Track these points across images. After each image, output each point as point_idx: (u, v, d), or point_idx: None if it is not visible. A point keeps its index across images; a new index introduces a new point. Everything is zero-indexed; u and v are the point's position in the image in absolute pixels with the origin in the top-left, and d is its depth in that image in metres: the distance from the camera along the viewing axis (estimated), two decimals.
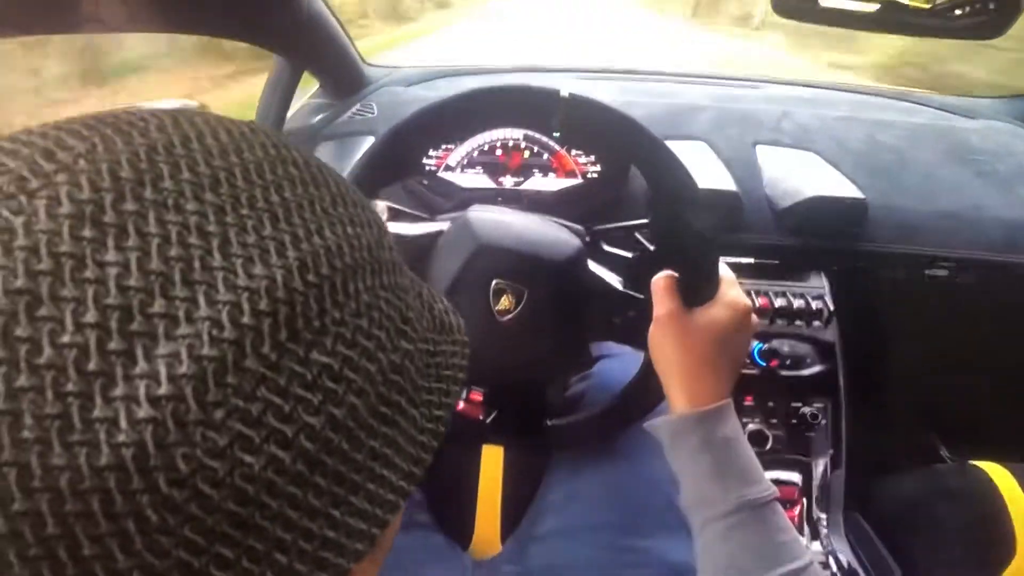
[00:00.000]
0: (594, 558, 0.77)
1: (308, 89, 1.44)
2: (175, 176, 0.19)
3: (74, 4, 0.75)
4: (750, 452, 0.62)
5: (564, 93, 0.66)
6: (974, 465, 1.00)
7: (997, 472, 0.96)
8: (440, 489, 0.87)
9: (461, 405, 0.80)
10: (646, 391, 0.70)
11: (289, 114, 1.32)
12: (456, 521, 0.87)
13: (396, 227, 0.79)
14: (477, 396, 0.80)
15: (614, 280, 0.78)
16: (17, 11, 0.71)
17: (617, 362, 0.92)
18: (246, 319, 0.18)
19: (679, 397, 0.64)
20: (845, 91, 1.53)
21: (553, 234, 0.77)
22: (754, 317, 0.67)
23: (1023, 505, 0.90)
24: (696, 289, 0.65)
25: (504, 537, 0.86)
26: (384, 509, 0.24)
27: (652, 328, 0.66)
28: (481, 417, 0.79)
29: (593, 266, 0.79)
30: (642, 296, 0.74)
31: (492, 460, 1.00)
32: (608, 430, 0.80)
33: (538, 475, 0.86)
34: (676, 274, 0.66)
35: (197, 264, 0.18)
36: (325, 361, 0.20)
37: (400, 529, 0.76)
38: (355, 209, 0.23)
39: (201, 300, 0.18)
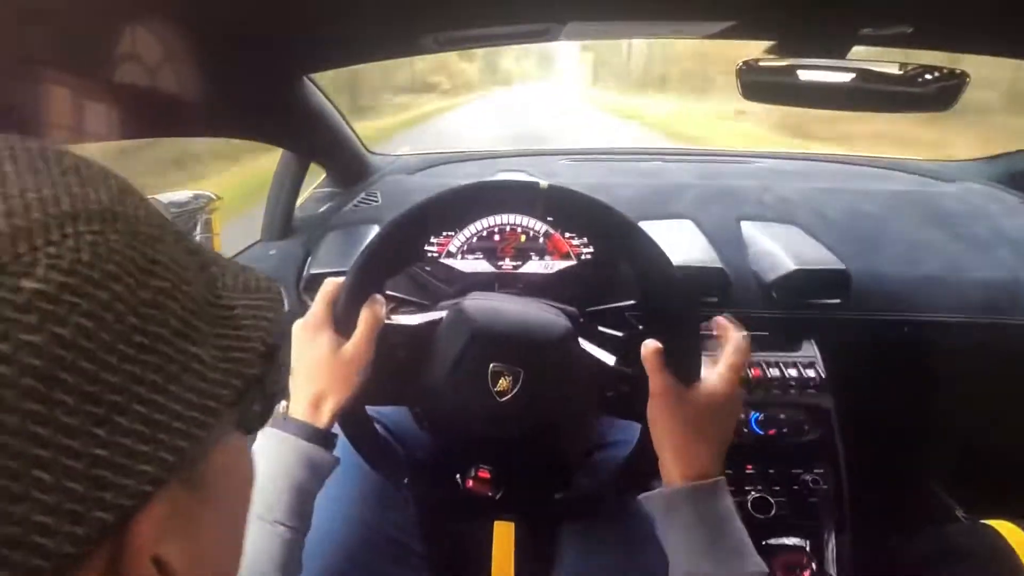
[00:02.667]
0: None
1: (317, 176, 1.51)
2: None
3: (97, 116, 0.81)
4: (741, 528, 0.63)
5: (543, 185, 0.70)
6: (985, 524, 1.00)
7: (1010, 530, 0.96)
8: (450, 566, 0.89)
9: (471, 483, 0.82)
10: (644, 464, 0.72)
11: (298, 202, 1.38)
12: None
13: (398, 318, 0.83)
14: (485, 475, 0.82)
15: (606, 357, 0.82)
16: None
17: (614, 448, 0.94)
18: None
19: (673, 470, 0.66)
20: (825, 161, 1.59)
21: (544, 317, 0.80)
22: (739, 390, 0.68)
23: None
24: (681, 367, 0.68)
25: None
26: (170, 436, 0.25)
27: (649, 402, 0.68)
28: (490, 494, 0.82)
29: (585, 344, 0.82)
30: (630, 370, 0.78)
31: (503, 538, 1.01)
32: (610, 501, 0.82)
33: (550, 553, 0.87)
34: (660, 344, 0.68)
35: None
36: (35, 287, 0.21)
37: None
38: (87, 174, 0.26)
39: None
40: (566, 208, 0.73)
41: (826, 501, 1.12)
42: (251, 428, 0.34)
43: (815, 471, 1.10)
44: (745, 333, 0.71)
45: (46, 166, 0.25)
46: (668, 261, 0.70)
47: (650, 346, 0.68)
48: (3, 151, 0.25)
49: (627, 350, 0.81)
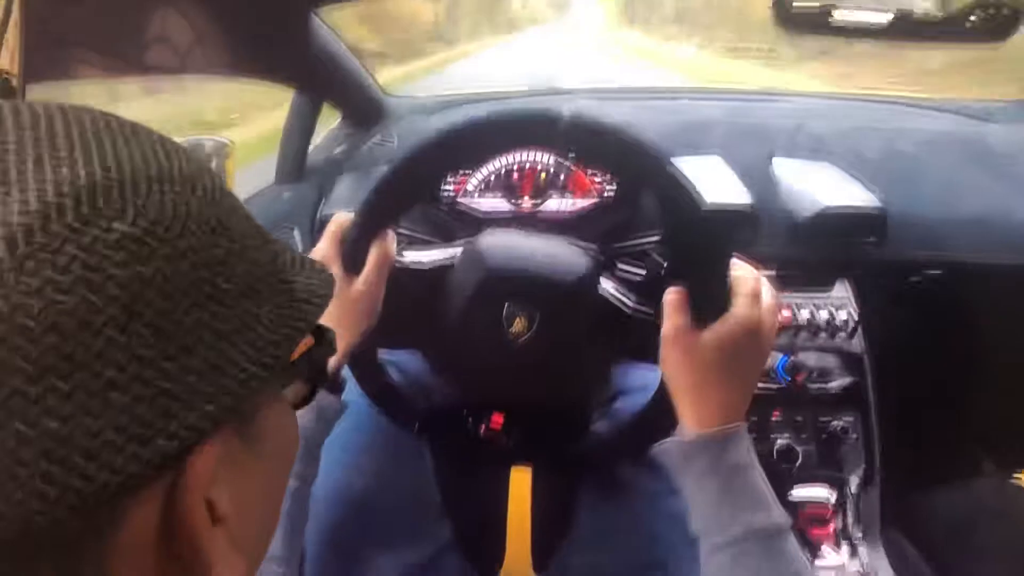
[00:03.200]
0: None
1: (333, 118, 1.48)
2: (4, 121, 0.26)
3: (116, 55, 0.81)
4: (762, 478, 0.60)
5: (567, 114, 0.66)
6: (1018, 481, 0.97)
7: None
8: (469, 515, 0.87)
9: (484, 430, 0.80)
10: (664, 412, 0.68)
11: (312, 145, 1.35)
12: (485, 546, 0.87)
13: (410, 255, 0.80)
14: (499, 421, 0.80)
15: (626, 298, 0.78)
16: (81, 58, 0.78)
17: (637, 395, 0.90)
18: (50, 198, 0.23)
19: (688, 418, 0.62)
20: (860, 101, 1.53)
21: (562, 255, 0.77)
22: (771, 333, 0.63)
23: None
24: (704, 306, 0.63)
25: (535, 562, 0.86)
26: (231, 382, 0.27)
27: (661, 346, 0.64)
28: (504, 441, 0.79)
29: (605, 284, 0.79)
30: (655, 313, 0.74)
31: (520, 486, 1.00)
32: (628, 450, 0.79)
33: (567, 500, 0.85)
34: (684, 289, 0.64)
35: (13, 171, 0.24)
36: (125, 229, 0.24)
37: (426, 564, 0.77)
38: (172, 149, 0.29)
39: (14, 192, 0.23)
40: (590, 138, 0.68)
41: (855, 451, 1.09)
42: (296, 403, 0.38)
43: (844, 419, 1.07)
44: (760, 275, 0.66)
45: (136, 137, 0.28)
46: (696, 194, 0.65)
47: (674, 290, 0.64)
48: (99, 120, 0.28)
49: (650, 290, 0.77)
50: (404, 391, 0.86)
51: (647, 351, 0.71)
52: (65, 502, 0.22)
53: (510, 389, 0.78)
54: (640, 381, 0.91)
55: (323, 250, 0.70)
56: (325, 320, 0.66)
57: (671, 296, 0.64)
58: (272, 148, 1.36)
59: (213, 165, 1.36)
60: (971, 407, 1.30)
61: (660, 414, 0.70)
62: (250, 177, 1.42)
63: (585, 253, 0.80)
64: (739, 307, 0.62)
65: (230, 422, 0.29)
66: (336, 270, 0.68)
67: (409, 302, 0.77)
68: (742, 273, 0.64)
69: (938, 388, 1.27)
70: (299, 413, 0.63)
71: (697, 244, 0.66)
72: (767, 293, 0.64)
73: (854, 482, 1.09)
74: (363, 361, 0.73)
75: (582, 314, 0.74)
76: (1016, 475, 1.00)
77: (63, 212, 0.23)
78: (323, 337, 0.37)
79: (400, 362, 0.92)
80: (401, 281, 0.74)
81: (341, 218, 0.71)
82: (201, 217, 0.28)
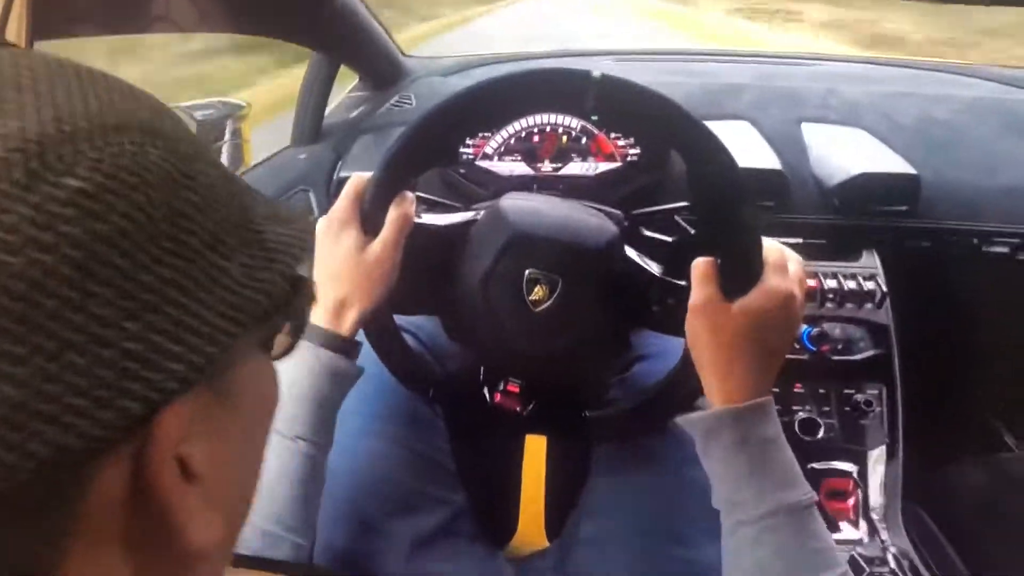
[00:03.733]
0: (638, 567, 0.75)
1: (350, 80, 1.46)
2: None
3: (123, 9, 0.79)
4: (788, 453, 0.59)
5: (596, 74, 0.63)
6: None
7: None
8: (482, 482, 0.86)
9: (499, 398, 0.78)
10: (686, 383, 0.67)
11: (329, 108, 1.33)
12: (499, 514, 0.86)
13: (428, 218, 0.78)
14: (515, 389, 0.78)
15: (652, 266, 0.76)
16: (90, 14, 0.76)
17: (656, 362, 0.89)
18: None
19: (714, 392, 0.61)
20: (894, 66, 1.48)
21: (587, 221, 0.75)
22: (800, 306, 0.62)
23: None
24: (735, 276, 0.61)
25: (548, 530, 0.85)
26: (199, 339, 0.26)
27: (688, 317, 0.62)
28: (519, 409, 0.78)
29: (630, 252, 0.77)
30: (682, 282, 0.72)
31: (535, 454, 0.99)
32: (647, 422, 0.78)
33: (581, 471, 0.84)
34: (716, 259, 0.63)
35: None
36: (78, 185, 0.23)
37: (440, 531, 0.76)
38: (131, 95, 0.28)
39: None
40: (621, 99, 0.66)
41: (878, 425, 1.07)
42: (276, 354, 0.36)
43: (869, 392, 1.05)
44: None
45: (93, 83, 0.27)
46: (731, 156, 0.63)
47: (704, 259, 0.62)
48: (52, 65, 0.26)
49: (676, 258, 0.75)
50: (419, 357, 0.85)
51: (671, 322, 0.70)
52: (25, 468, 0.22)
53: (528, 357, 0.77)
54: (659, 347, 0.90)
55: (341, 211, 0.68)
56: (340, 287, 0.66)
57: (700, 266, 0.62)
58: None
59: (228, 127, 1.35)
60: (996, 381, 1.28)
61: (682, 384, 0.69)
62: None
63: (610, 219, 0.78)
64: (768, 280, 0.60)
65: (201, 379, 0.27)
66: (354, 232, 0.67)
67: (427, 266, 0.76)
68: (768, 245, 0.63)
69: (964, 362, 1.24)
70: (314, 377, 0.64)
71: (728, 209, 0.63)
72: (794, 264, 0.63)
73: (876, 456, 1.07)
74: (378, 326, 0.72)
75: (605, 283, 0.72)
76: None
77: (10, 169, 0.22)
78: (302, 287, 0.35)
79: (416, 327, 0.91)
80: (419, 244, 0.72)
81: (359, 178, 0.69)
82: (162, 169, 0.26)
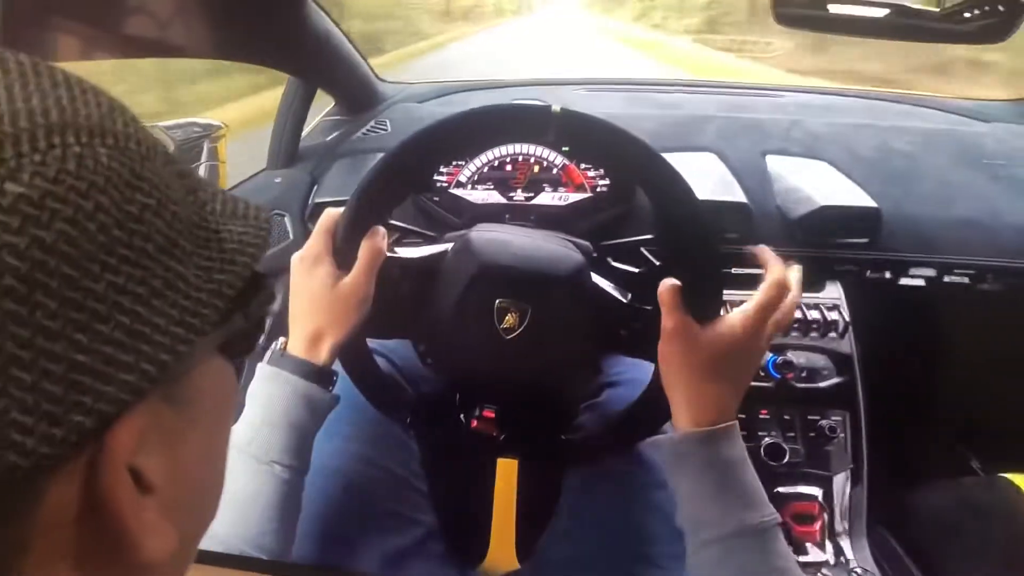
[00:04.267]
0: None
1: (326, 104, 1.46)
2: None
3: (107, 34, 0.79)
4: (753, 475, 0.60)
5: (556, 109, 0.65)
6: (1005, 478, 0.97)
7: None
8: (454, 503, 0.87)
9: (476, 423, 0.79)
10: (655, 408, 0.69)
11: (305, 131, 1.34)
12: (471, 535, 0.87)
13: (401, 251, 0.79)
14: (491, 415, 0.79)
15: (619, 292, 0.78)
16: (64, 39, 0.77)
17: (625, 388, 0.90)
18: None
19: (683, 414, 0.62)
20: (855, 97, 1.51)
21: (554, 250, 0.76)
22: (769, 333, 0.63)
23: None
24: (703, 304, 0.63)
25: (519, 551, 0.86)
26: (152, 348, 0.26)
27: (661, 343, 0.64)
28: (495, 434, 0.79)
29: (597, 279, 0.78)
30: (648, 307, 0.73)
31: (506, 476, 1.00)
32: (618, 445, 0.79)
33: (553, 493, 0.85)
34: (679, 282, 0.64)
35: None
36: (20, 191, 0.22)
37: (412, 551, 0.77)
38: (78, 90, 0.27)
39: None
40: (581, 134, 0.67)
41: (842, 450, 1.09)
42: (235, 355, 0.35)
43: (833, 418, 1.07)
44: (793, 268, 0.65)
45: (37, 78, 0.25)
46: (690, 190, 0.65)
47: (668, 283, 0.63)
48: None
49: (643, 287, 0.76)
50: (394, 381, 0.86)
51: (639, 346, 0.71)
52: None
53: (501, 384, 0.78)
54: (628, 374, 0.92)
55: (313, 246, 0.69)
56: (315, 319, 0.67)
57: (667, 289, 0.63)
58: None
59: (205, 148, 1.35)
60: (958, 407, 1.30)
61: (649, 410, 0.71)
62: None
63: (577, 248, 0.79)
64: (751, 302, 0.62)
65: (156, 388, 0.27)
66: (327, 266, 0.68)
67: (400, 296, 0.77)
68: (769, 262, 0.64)
69: (926, 388, 1.27)
70: (291, 406, 0.64)
71: (690, 241, 0.65)
72: (794, 283, 0.64)
73: (841, 480, 1.09)
74: (353, 355, 0.73)
75: (574, 309, 0.74)
76: (1002, 474, 1.00)
77: None
78: (261, 286, 0.34)
79: (389, 350, 0.92)
80: (392, 274, 0.73)
81: (331, 214, 0.70)
82: (111, 170, 0.25)
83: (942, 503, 1.08)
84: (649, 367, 0.69)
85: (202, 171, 1.33)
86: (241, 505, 0.60)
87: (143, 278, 0.26)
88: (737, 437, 0.61)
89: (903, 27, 0.88)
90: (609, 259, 0.86)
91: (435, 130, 0.67)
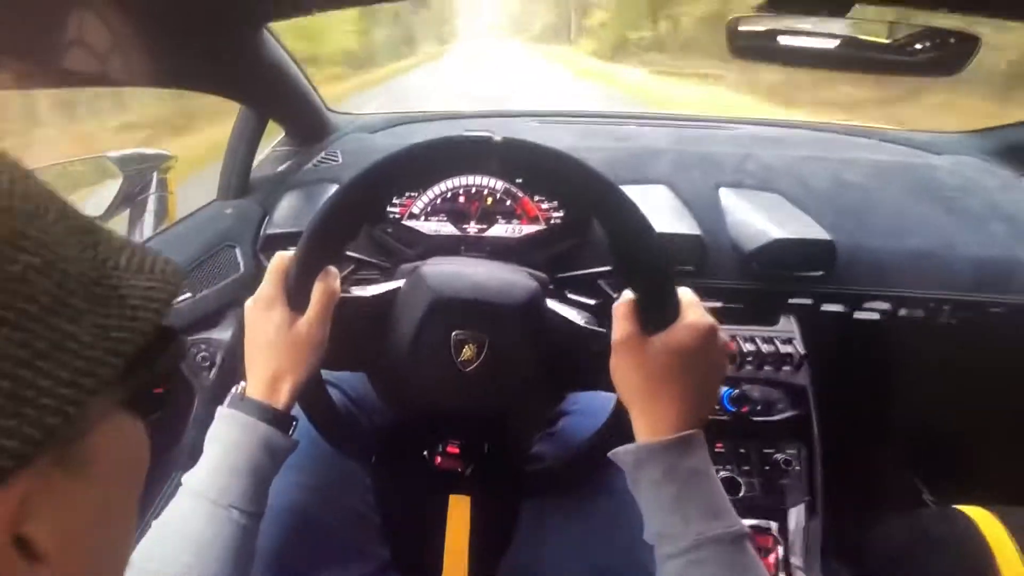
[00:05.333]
0: None
1: (275, 135, 1.44)
2: None
3: (55, 62, 0.77)
4: (717, 486, 0.59)
5: (497, 138, 0.64)
6: (958, 510, 0.97)
7: (982, 517, 0.93)
8: (407, 537, 0.86)
9: (439, 460, 0.78)
10: (619, 435, 0.67)
11: (256, 162, 1.32)
12: (424, 569, 0.85)
13: (355, 291, 0.78)
14: (455, 450, 0.78)
15: (576, 317, 0.77)
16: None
17: (583, 418, 0.89)
18: None
19: (641, 426, 0.61)
20: (809, 129, 1.54)
21: (508, 278, 0.75)
22: (724, 337, 0.63)
23: (1010, 552, 0.87)
24: (653, 312, 0.63)
25: None
26: (37, 411, 0.25)
27: (612, 355, 0.63)
28: (460, 469, 0.78)
29: (553, 305, 0.77)
30: (604, 330, 0.73)
31: (458, 511, 0.98)
32: (581, 475, 0.78)
33: (506, 525, 0.84)
34: (632, 297, 0.64)
35: None
36: None
37: None
38: None
39: None
40: (525, 161, 0.67)
41: (797, 483, 1.08)
42: (145, 411, 0.34)
43: (788, 451, 1.07)
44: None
45: None
46: (642, 216, 0.64)
47: (623, 297, 0.64)
48: None
49: (599, 316, 0.76)
50: (353, 419, 0.84)
51: (599, 377, 0.70)
52: None
53: (461, 417, 0.77)
54: (584, 404, 0.91)
55: (266, 289, 0.68)
56: (272, 363, 0.66)
57: (621, 307, 0.64)
58: None
59: (154, 178, 1.31)
60: (912, 440, 1.32)
61: (615, 437, 0.69)
62: None
63: (531, 277, 0.79)
64: (687, 316, 0.62)
65: (42, 452, 0.26)
66: (281, 309, 0.67)
67: (356, 334, 0.75)
68: (685, 292, 0.65)
69: (881, 421, 1.28)
70: (250, 450, 0.63)
71: (644, 261, 0.64)
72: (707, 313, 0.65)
73: (796, 513, 1.08)
74: (312, 397, 0.72)
75: (532, 338, 0.73)
76: (955, 506, 1.01)
77: None
78: (169, 341, 0.34)
79: (344, 382, 0.91)
80: (346, 313, 0.72)
81: (283, 256, 0.69)
82: None
83: (896, 535, 1.08)
84: (606, 399, 0.69)
85: (150, 202, 1.30)
86: (198, 549, 0.59)
87: (26, 340, 0.25)
88: (699, 447, 0.60)
89: (854, 59, 0.90)
90: (566, 291, 0.85)
91: (381, 166, 0.66)
